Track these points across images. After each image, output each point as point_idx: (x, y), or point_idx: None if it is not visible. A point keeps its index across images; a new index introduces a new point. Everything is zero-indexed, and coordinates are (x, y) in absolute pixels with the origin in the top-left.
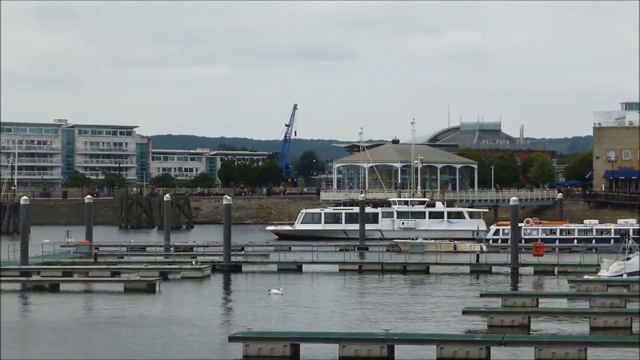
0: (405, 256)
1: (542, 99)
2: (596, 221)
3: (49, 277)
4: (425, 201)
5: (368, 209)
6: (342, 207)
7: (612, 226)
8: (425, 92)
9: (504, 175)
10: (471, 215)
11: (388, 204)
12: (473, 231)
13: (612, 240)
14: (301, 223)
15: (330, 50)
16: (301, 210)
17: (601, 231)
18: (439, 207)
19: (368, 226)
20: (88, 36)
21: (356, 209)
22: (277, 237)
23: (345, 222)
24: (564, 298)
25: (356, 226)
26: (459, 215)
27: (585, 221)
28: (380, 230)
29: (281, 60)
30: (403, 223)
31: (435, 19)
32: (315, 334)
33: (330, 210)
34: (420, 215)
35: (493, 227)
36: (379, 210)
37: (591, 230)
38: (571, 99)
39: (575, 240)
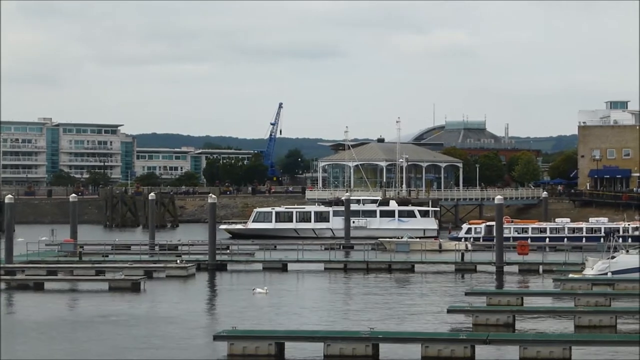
0: (390, 255)
1: (527, 98)
2: (568, 219)
3: (33, 275)
4: (378, 200)
5: (320, 208)
6: (293, 207)
7: (583, 224)
8: (411, 91)
9: (489, 174)
10: (424, 214)
11: (341, 202)
12: (424, 230)
13: (583, 239)
14: (253, 222)
15: (316, 49)
16: (254, 209)
17: (573, 229)
18: (393, 205)
19: (319, 225)
20: (74, 34)
21: (309, 208)
22: (230, 235)
23: (297, 221)
24: (548, 297)
25: (307, 225)
26: (410, 214)
27: (556, 219)
28: (331, 229)
29: (266, 58)
30: (354, 222)
31: (422, 18)
32: (300, 332)
33: (282, 209)
34: (372, 214)
35: (465, 226)
36: (330, 209)
37: (563, 228)
38: (556, 97)
39: (548, 239)
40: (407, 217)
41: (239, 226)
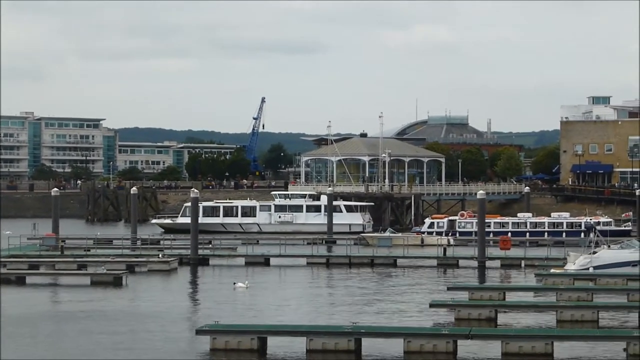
0: (372, 249)
1: (509, 93)
2: (530, 214)
3: (15, 269)
4: (306, 195)
5: (247, 203)
6: (221, 201)
7: (545, 219)
8: (394, 86)
9: (471, 169)
10: (350, 209)
11: (271, 197)
12: (349, 225)
13: (545, 234)
14: (182, 216)
15: (299, 44)
16: (184, 204)
17: (535, 224)
18: (322, 200)
19: (246, 219)
20: (57, 29)
21: (237, 202)
22: (163, 230)
23: (223, 216)
24: (530, 291)
25: (234, 220)
26: (336, 210)
27: (519, 214)
28: (257, 224)
29: (250, 53)
30: (280, 217)
31: (405, 14)
32: (282, 327)
33: (210, 204)
34: (298, 208)
35: (428, 220)
36: (257, 203)
37: (525, 223)
38: (538, 93)
39: (510, 234)
40: (333, 212)
41: (168, 220)
